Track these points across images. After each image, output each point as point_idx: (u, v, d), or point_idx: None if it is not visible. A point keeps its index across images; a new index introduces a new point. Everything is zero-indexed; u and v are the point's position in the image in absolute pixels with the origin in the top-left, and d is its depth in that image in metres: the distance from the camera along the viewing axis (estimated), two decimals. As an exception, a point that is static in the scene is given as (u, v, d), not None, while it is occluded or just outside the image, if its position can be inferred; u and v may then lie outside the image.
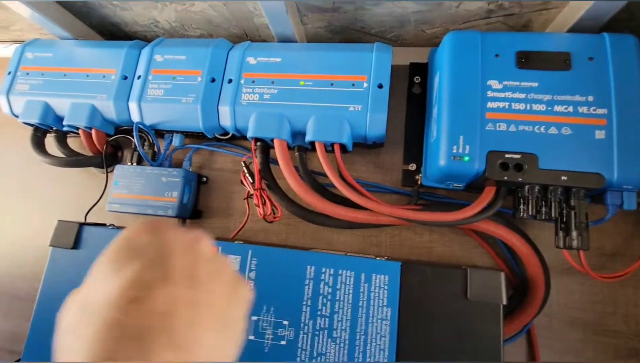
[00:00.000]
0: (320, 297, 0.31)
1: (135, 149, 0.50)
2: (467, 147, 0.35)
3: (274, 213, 0.40)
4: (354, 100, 0.41)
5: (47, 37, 0.57)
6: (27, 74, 0.51)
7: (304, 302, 0.31)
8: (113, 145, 0.52)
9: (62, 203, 0.53)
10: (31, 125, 0.50)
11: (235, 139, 0.49)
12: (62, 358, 0.16)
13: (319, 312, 0.31)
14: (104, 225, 0.41)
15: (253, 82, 0.44)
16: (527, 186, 0.34)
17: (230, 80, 0.45)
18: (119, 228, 0.37)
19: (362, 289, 0.31)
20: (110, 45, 0.50)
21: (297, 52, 0.44)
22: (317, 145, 0.42)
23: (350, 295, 0.31)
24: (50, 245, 0.36)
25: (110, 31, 0.57)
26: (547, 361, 0.38)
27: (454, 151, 0.35)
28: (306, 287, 0.31)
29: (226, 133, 0.47)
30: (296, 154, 0.44)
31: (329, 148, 0.42)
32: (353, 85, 0.41)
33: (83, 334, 0.16)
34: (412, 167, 0.44)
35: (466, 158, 0.34)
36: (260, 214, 0.40)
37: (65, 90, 0.48)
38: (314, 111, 0.42)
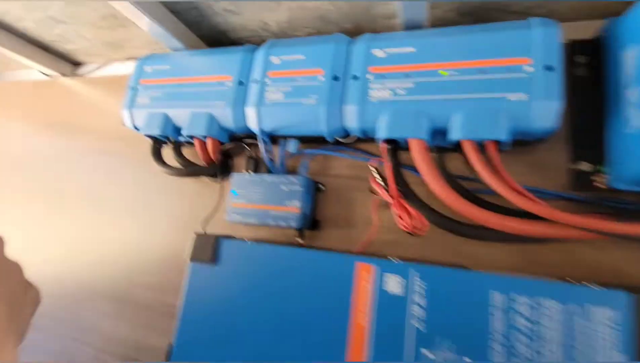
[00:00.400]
0: (516, 333, 0.24)
1: (250, 157, 0.48)
2: None
3: (421, 225, 0.34)
4: (514, 87, 0.34)
5: (159, 52, 0.58)
6: (147, 87, 0.52)
7: (491, 337, 0.25)
8: (225, 154, 0.51)
9: (177, 214, 0.54)
10: (151, 137, 0.51)
11: (355, 141, 0.45)
12: None
13: (514, 350, 0.24)
14: (230, 237, 0.39)
15: (383, 76, 0.39)
16: None
17: (355, 77, 0.41)
18: (258, 242, 0.34)
19: (577, 327, 0.24)
20: (223, 52, 0.49)
21: (433, 39, 0.39)
22: (465, 145, 0.35)
23: (560, 333, 0.24)
24: (191, 260, 0.34)
25: (217, 39, 0.57)
26: None
27: (685, 143, 0.26)
28: (491, 317, 0.25)
29: (347, 135, 0.43)
30: (434, 155, 0.38)
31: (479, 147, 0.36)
32: (511, 70, 0.34)
33: None
34: (586, 166, 0.36)
35: None
36: (405, 226, 0.34)
37: (183, 100, 0.48)
38: (460, 104, 0.35)
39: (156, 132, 0.49)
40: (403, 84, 0.38)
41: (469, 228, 0.35)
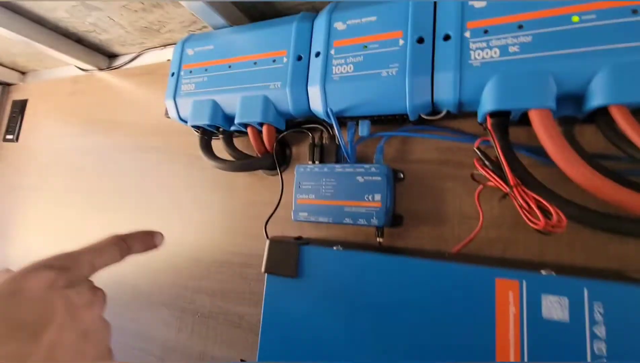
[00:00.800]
0: None
1: (314, 145, 0.41)
2: None
3: (559, 221, 0.26)
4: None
5: (199, 33, 0.52)
6: (191, 72, 0.46)
7: None
8: (280, 143, 0.45)
9: (231, 212, 0.48)
10: (199, 128, 0.46)
11: (441, 120, 0.37)
12: None
13: None
14: (299, 238, 0.33)
15: (485, 32, 0.31)
16: None
17: (447, 37, 0.32)
18: (346, 249, 0.27)
19: None
20: (274, 24, 0.42)
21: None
22: (616, 112, 0.26)
23: None
24: (265, 272, 0.29)
25: (261, 12, 0.50)
26: None
27: None
28: None
29: (435, 111, 0.35)
30: (561, 129, 0.30)
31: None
32: (687, 3, 0.25)
33: None
34: None
35: None
36: (538, 224, 0.27)
37: (233, 83, 0.42)
38: (607, 57, 0.26)
39: (205, 121, 0.43)
40: (515, 39, 0.30)
41: (628, 223, 0.26)
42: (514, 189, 0.28)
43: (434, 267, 0.24)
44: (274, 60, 0.40)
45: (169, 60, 0.54)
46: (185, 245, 0.51)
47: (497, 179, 0.30)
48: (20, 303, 0.17)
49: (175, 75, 0.47)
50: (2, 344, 0.16)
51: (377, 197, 0.35)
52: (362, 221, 0.35)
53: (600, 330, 0.19)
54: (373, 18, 0.36)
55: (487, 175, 0.30)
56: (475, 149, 0.32)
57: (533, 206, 0.27)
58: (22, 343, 0.16)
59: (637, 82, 0.26)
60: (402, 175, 0.39)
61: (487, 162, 0.31)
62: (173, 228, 0.52)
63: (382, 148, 0.39)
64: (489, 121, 0.31)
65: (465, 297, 0.22)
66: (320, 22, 0.39)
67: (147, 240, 0.26)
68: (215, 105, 0.43)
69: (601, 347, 0.19)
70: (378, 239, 0.37)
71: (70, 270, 0.19)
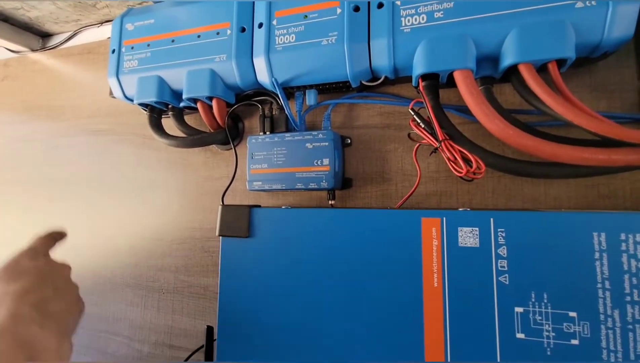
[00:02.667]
0: (627, 277, 0.21)
1: (264, 116, 0.42)
2: None
3: (478, 168, 0.30)
4: (583, -9, 0.28)
5: (138, 7, 0.50)
6: (132, 48, 0.45)
7: (599, 285, 0.21)
8: (232, 117, 0.46)
9: (188, 189, 0.49)
10: (146, 105, 0.45)
11: (382, 85, 0.39)
12: None
13: (627, 298, 0.21)
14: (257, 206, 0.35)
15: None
16: None
17: (380, 5, 0.34)
18: (294, 208, 0.29)
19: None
20: (216, -5, 0.42)
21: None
22: (523, 69, 0.30)
23: (680, 271, 0.20)
24: (219, 235, 0.30)
25: (203, -16, 0.48)
26: None
27: None
28: (597, 262, 0.22)
29: (375, 78, 0.38)
30: (481, 88, 0.33)
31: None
32: (577, -31, 0.28)
33: None
34: (660, 81, 0.31)
35: None
36: (460, 171, 0.30)
37: (177, 57, 0.42)
38: (515, 20, 0.30)
39: (152, 98, 0.43)
40: (441, 5, 0.32)
41: (534, 167, 0.30)
42: (442, 144, 0.32)
43: (370, 215, 0.26)
44: (218, 33, 0.40)
45: (109, 37, 0.52)
46: (145, 225, 0.51)
47: (429, 136, 0.33)
48: (25, 271, 0.26)
49: (116, 53, 0.45)
50: (37, 297, 0.24)
51: (326, 161, 0.37)
52: (313, 185, 0.37)
53: (503, 251, 0.23)
54: (311, -13, 0.37)
55: (421, 133, 0.33)
56: (409, 110, 0.34)
57: (458, 157, 0.31)
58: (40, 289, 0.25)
59: (539, 41, 0.29)
60: (349, 141, 0.41)
61: (420, 122, 0.34)
62: (131, 210, 0.52)
63: (329, 115, 0.41)
64: (420, 84, 0.34)
65: (398, 236, 0.25)
66: (261, -7, 0.39)
67: (59, 233, 0.34)
68: (161, 81, 0.43)
69: (503, 264, 0.23)
70: (330, 202, 0.39)
71: (40, 252, 0.29)
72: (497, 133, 0.30)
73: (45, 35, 0.65)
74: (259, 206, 0.31)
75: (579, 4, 0.28)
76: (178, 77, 0.42)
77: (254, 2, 0.40)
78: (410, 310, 0.24)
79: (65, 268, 0.29)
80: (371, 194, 0.40)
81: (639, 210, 0.32)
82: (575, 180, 0.33)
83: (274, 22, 0.38)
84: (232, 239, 0.29)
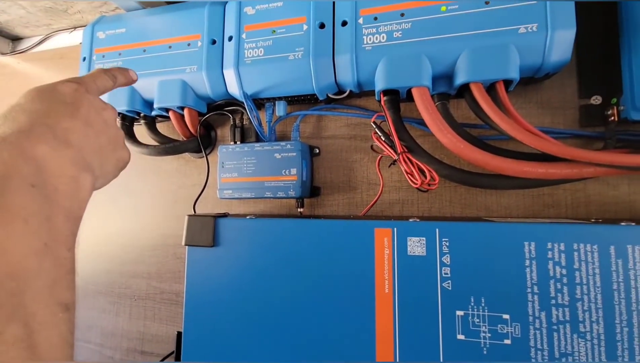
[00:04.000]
0: (552, 282, 0.23)
1: (234, 126, 0.43)
2: None
3: (431, 180, 0.32)
4: (525, 18, 0.30)
5: (111, 15, 0.50)
6: (103, 56, 0.45)
7: (528, 289, 0.24)
8: (204, 126, 0.46)
9: (161, 197, 0.49)
10: (118, 113, 0.46)
11: (349, 98, 0.41)
12: None
13: (553, 301, 0.23)
14: (224, 215, 0.36)
15: (375, 19, 0.35)
16: None
17: (344, 23, 0.36)
18: (260, 218, 0.31)
19: (614, 267, 0.23)
20: (188, 7, 0.43)
21: (429, -31, 0.34)
22: (473, 88, 0.32)
23: (597, 277, 0.23)
24: (185, 245, 0.31)
25: (177, -6, 0.49)
26: None
27: None
28: (527, 269, 0.24)
29: (341, 91, 0.39)
30: (437, 104, 0.35)
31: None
32: (520, -2, 0.31)
33: None
34: (596, 100, 0.34)
35: None
36: (415, 183, 0.32)
37: (148, 67, 0.42)
38: (466, 42, 0.32)
39: (123, 107, 0.43)
40: (400, 25, 0.34)
41: (483, 178, 0.33)
42: (400, 156, 0.34)
43: (327, 225, 0.28)
44: (189, 44, 0.41)
45: (81, 43, 0.52)
46: (118, 233, 0.51)
47: (388, 148, 0.35)
48: (57, 97, 0.23)
49: (87, 60, 0.46)
50: (57, 122, 0.21)
51: (293, 171, 0.39)
52: (281, 194, 0.39)
53: (447, 259, 0.25)
54: (280, 3, 0.38)
55: (381, 146, 0.35)
56: (372, 123, 0.36)
57: (414, 169, 0.33)
58: (69, 122, 0.22)
59: (487, 63, 0.31)
60: (317, 151, 0.43)
61: (381, 135, 0.35)
62: (104, 218, 0.52)
63: (298, 126, 0.42)
64: (382, 98, 0.36)
65: (354, 245, 0.27)
66: (231, 6, 0.40)
67: (126, 73, 0.30)
68: (132, 90, 0.43)
69: (447, 271, 0.25)
70: (299, 210, 0.41)
71: (86, 84, 0.25)
72: (449, 146, 0.33)
73: (15, 39, 0.64)
74: (226, 215, 0.33)
75: (522, 30, 0.31)
76: (149, 87, 0.42)
77: (224, 15, 0.41)
78: (363, 315, 0.26)
79: (108, 110, 0.25)
80: (338, 202, 0.42)
81: (578, 218, 0.35)
82: (524, 191, 0.36)
83: (244, 36, 0.39)
84: (197, 248, 0.30)
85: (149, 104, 0.44)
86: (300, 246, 0.28)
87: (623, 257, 0.22)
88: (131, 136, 0.46)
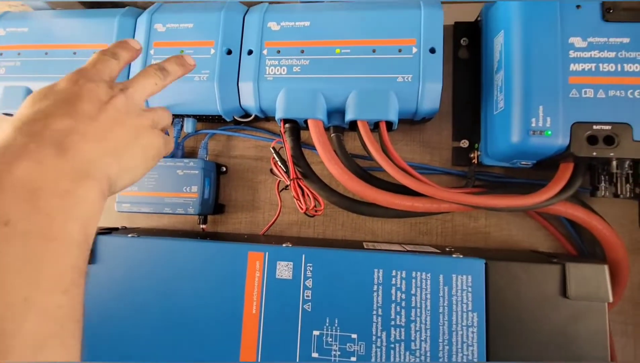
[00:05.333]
0: (393, 305, 0.27)
1: (141, 138, 0.43)
2: (549, 119, 0.30)
3: (317, 206, 0.35)
4: (402, 69, 0.35)
5: (18, 10, 0.48)
6: (1, 54, 0.42)
7: (374, 312, 0.27)
8: (112, 135, 0.45)
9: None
10: (11, 115, 0.43)
11: (258, 120, 0.43)
12: None
13: (392, 322, 0.26)
14: (116, 229, 0.36)
15: (278, 52, 0.37)
16: (615, 161, 0.30)
17: (250, 52, 0.38)
18: (141, 236, 0.31)
19: (442, 293, 0.26)
20: (98, 15, 0.42)
21: (328, 13, 0.37)
22: (360, 125, 0.36)
23: (429, 301, 0.26)
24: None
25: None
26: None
27: (533, 125, 0.30)
28: (375, 294, 0.27)
29: (248, 115, 0.41)
30: (332, 135, 0.38)
31: (371, 127, 0.37)
32: (400, 50, 0.35)
33: None
34: (464, 143, 0.39)
35: (549, 132, 0.29)
36: (301, 208, 0.35)
37: (49, 71, 0.41)
38: (355, 84, 0.35)
39: (15, 110, 0.41)
40: (299, 61, 0.37)
41: (363, 206, 0.36)
42: (292, 182, 0.36)
43: (204, 246, 0.29)
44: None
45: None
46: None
47: (283, 173, 0.37)
48: (53, 96, 0.21)
49: (-20, 57, 0.43)
50: (46, 126, 0.19)
51: (194, 188, 0.39)
52: (180, 210, 0.39)
53: (309, 283, 0.27)
54: (190, 25, 0.39)
55: (277, 170, 0.37)
56: (271, 148, 0.38)
57: (301, 196, 0.35)
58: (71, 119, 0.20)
59: (370, 104, 0.35)
60: (225, 169, 0.44)
61: (278, 160, 0.38)
62: None
63: (206, 144, 0.43)
64: (282, 125, 0.38)
65: (229, 267, 0.28)
66: (142, 21, 0.40)
67: (128, 46, 0.28)
68: (29, 93, 0.41)
69: (309, 294, 0.27)
70: (201, 226, 0.41)
71: (85, 73, 0.23)
72: (336, 176, 0.36)
73: None
74: (110, 231, 0.32)
75: (400, 79, 0.35)
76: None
77: (135, 29, 0.41)
78: (230, 334, 0.27)
79: (118, 96, 0.22)
80: (241, 220, 0.43)
81: (447, 244, 0.39)
82: (404, 219, 0.40)
83: (152, 52, 0.39)
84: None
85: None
86: (176, 267, 0.29)
87: (449, 284, 0.26)
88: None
